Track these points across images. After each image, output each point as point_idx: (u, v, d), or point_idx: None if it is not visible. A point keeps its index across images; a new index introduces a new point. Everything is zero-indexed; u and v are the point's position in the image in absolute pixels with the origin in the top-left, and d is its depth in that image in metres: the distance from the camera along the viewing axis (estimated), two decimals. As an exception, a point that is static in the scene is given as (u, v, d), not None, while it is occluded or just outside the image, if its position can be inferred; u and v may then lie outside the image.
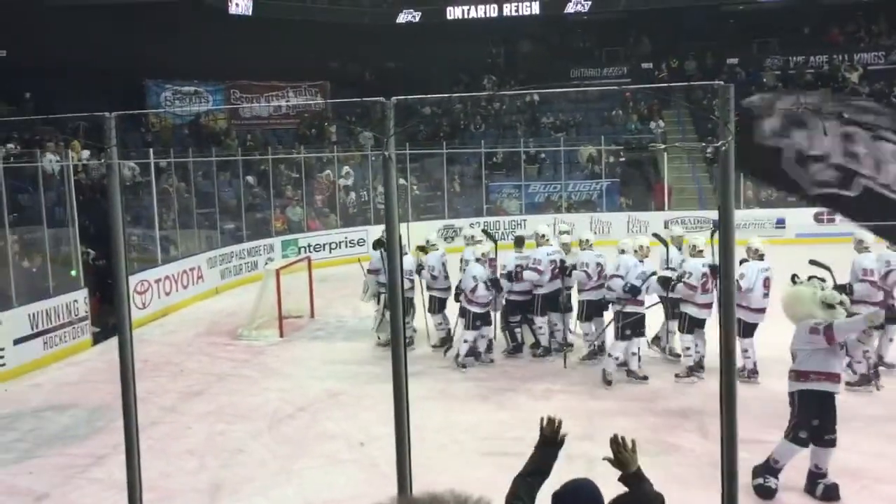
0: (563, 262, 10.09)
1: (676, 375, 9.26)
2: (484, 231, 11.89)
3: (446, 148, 21.44)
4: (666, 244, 9.91)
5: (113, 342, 12.17)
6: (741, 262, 8.73)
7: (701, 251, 9.28)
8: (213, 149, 19.05)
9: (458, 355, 9.97)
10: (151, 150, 15.35)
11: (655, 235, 10.33)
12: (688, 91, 23.38)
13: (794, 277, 6.77)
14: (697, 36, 26.13)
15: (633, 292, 8.96)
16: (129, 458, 3.71)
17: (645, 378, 9.22)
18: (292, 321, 12.57)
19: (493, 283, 9.89)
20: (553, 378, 9.47)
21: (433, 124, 22.88)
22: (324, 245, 18.80)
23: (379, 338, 11.10)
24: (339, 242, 19.08)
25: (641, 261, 9.14)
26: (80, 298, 11.73)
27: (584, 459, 7.01)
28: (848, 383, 8.25)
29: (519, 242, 10.62)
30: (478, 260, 10.04)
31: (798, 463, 6.30)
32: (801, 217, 18.47)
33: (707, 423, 7.70)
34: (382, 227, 18.98)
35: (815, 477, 6.23)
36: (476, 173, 22.03)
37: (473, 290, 9.75)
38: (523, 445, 7.44)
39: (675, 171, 22.14)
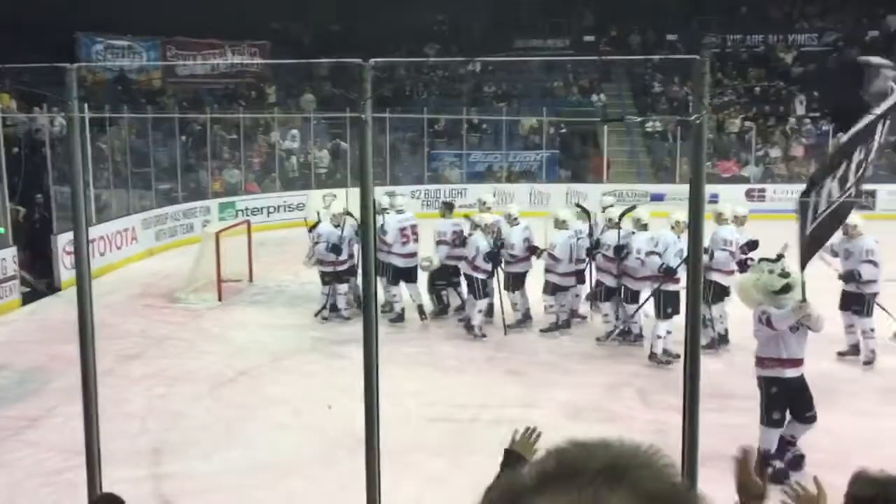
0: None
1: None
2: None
3: (389, 114, 21.24)
4: (589, 215, 9.95)
5: (43, 302, 11.88)
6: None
7: (618, 224, 9.44)
8: (147, 107, 18.48)
9: (471, 326, 9.80)
10: (87, 105, 14.78)
11: (578, 206, 10.41)
12: (630, 65, 23.63)
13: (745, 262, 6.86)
14: (640, 11, 26.34)
15: (668, 272, 8.67)
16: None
17: (677, 356, 8.53)
18: (231, 285, 12.37)
19: (492, 256, 9.69)
20: (497, 347, 9.56)
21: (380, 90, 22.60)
22: (262, 209, 18.49)
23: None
24: (279, 206, 18.79)
25: (679, 237, 8.79)
26: (8, 257, 11.31)
27: (528, 424, 7.17)
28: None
29: (448, 208, 10.73)
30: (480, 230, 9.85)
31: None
32: (733, 193, 18.91)
33: (646, 391, 7.91)
34: (323, 191, 18.84)
35: (785, 444, 6.30)
36: (418, 140, 21.92)
37: (475, 258, 9.67)
38: (469, 411, 7.60)
39: (614, 144, 22.42)
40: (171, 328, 10.53)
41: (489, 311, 10.14)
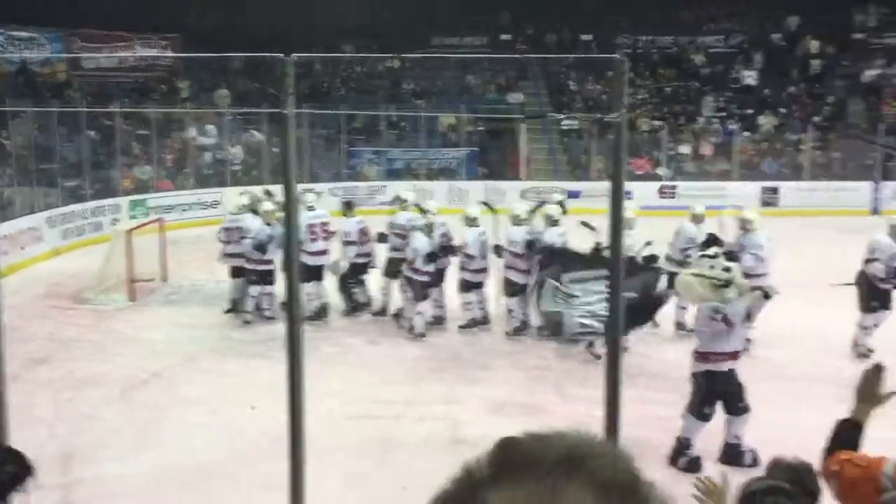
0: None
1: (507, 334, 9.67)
2: (484, 202, 10.79)
3: (307, 110, 20.96)
4: (494, 211, 9.96)
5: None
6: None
7: (524, 220, 9.59)
8: (52, 101, 17.75)
9: (412, 327, 9.64)
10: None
11: (484, 203, 10.47)
12: (545, 64, 23.97)
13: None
14: (555, 11, 26.75)
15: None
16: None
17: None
18: (143, 285, 11.99)
19: (431, 257, 9.53)
20: (418, 345, 9.54)
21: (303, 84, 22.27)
22: (176, 206, 18.01)
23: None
24: (193, 204, 18.34)
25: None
26: None
27: (451, 421, 7.22)
28: None
29: (349, 207, 10.67)
30: (422, 230, 9.64)
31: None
32: (646, 190, 19.43)
33: (563, 385, 8.04)
34: (238, 188, 18.48)
35: (734, 448, 6.39)
36: (336, 137, 21.73)
37: (415, 261, 9.45)
38: (392, 409, 7.59)
39: (532, 142, 22.73)
40: (80, 330, 10.16)
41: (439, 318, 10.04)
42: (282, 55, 2.80)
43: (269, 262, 10.07)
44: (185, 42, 23.21)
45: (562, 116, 21.88)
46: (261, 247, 9.96)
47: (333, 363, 8.83)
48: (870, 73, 24.32)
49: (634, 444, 6.52)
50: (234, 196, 18.23)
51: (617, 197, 2.86)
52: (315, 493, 5.58)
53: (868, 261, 8.75)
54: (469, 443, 6.49)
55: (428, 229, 9.58)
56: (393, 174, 21.56)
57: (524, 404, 7.71)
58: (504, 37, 26.36)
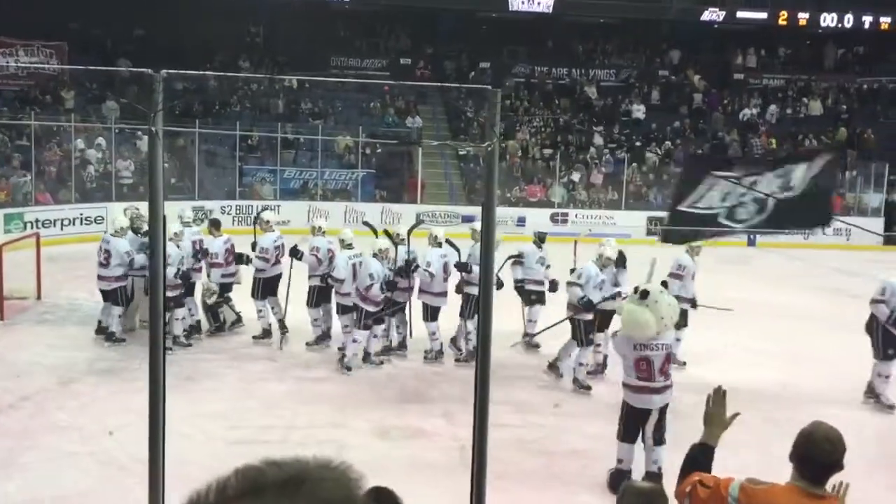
0: (283, 245, 10.27)
1: (425, 357, 9.61)
2: (366, 223, 10.61)
3: (199, 126, 20.51)
4: (376, 233, 9.82)
5: None
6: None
7: (440, 242, 9.68)
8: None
9: (343, 357, 9.29)
10: None
11: (366, 224, 10.42)
12: (443, 91, 24.27)
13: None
14: (454, 37, 27.19)
15: (587, 306, 8.67)
16: None
17: (588, 388, 8.82)
18: (15, 303, 11.38)
19: (389, 284, 9.28)
20: (306, 368, 9.40)
21: (188, 102, 21.77)
22: (55, 221, 17.23)
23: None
24: (74, 219, 17.60)
25: (601, 269, 8.86)
26: None
27: (335, 445, 7.12)
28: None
29: (215, 226, 10.66)
30: (375, 255, 9.29)
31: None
32: (539, 216, 19.87)
33: (452, 409, 8.07)
34: (124, 204, 17.85)
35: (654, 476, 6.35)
36: (230, 154, 21.32)
37: (369, 287, 9.09)
38: (274, 433, 7.43)
39: (428, 166, 22.92)
40: (-58, 350, 9.53)
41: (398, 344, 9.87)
42: (150, 70, 2.73)
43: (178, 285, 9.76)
44: (71, 50, 22.35)
45: (435, 143, 22.19)
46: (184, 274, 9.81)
47: (217, 386, 8.60)
48: (747, 112, 25.78)
49: (515, 469, 6.63)
50: (119, 212, 17.69)
51: (488, 221, 2.92)
52: (189, 522, 5.42)
53: (874, 301, 8.51)
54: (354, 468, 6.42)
55: (383, 255, 9.32)
56: (288, 194, 21.31)
57: (411, 428, 7.69)
58: (404, 60, 26.58)
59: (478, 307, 9.30)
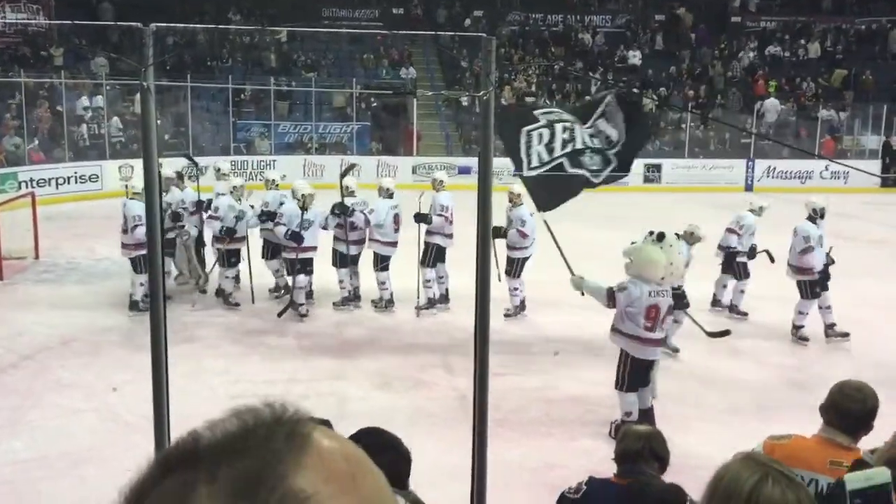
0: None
1: (417, 308, 9.64)
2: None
3: (191, 81, 20.27)
4: (343, 192, 9.70)
5: None
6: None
7: (391, 193, 9.73)
8: None
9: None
10: None
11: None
12: (437, 39, 23.94)
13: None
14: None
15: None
16: None
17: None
18: (13, 263, 11.39)
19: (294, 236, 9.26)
20: (307, 321, 9.44)
21: (179, 56, 21.48)
22: (50, 180, 17.13)
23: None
24: (69, 178, 17.50)
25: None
26: None
27: (337, 397, 7.20)
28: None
29: (180, 178, 10.43)
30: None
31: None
32: (535, 166, 19.79)
33: (451, 360, 8.14)
34: (119, 161, 17.76)
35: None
36: (223, 110, 21.11)
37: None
38: (276, 387, 7.50)
39: (424, 118, 22.72)
40: (-59, 311, 9.56)
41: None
42: (140, 24, 2.69)
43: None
44: (58, 6, 21.99)
45: (430, 93, 21.97)
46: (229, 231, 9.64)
47: (220, 342, 8.66)
48: (744, 56, 25.49)
49: (514, 416, 6.71)
50: (114, 170, 17.61)
51: (486, 172, 2.90)
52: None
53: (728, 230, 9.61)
54: (355, 418, 6.50)
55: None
56: (283, 148, 21.16)
57: (412, 379, 7.76)
58: (396, 11, 26.18)
59: (438, 256, 9.51)
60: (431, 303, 9.71)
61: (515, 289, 9.45)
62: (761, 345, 8.82)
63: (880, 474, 1.44)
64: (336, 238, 9.69)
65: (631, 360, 6.38)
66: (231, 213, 9.59)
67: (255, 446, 0.62)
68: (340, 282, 9.79)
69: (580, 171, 5.66)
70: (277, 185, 10.35)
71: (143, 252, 9.47)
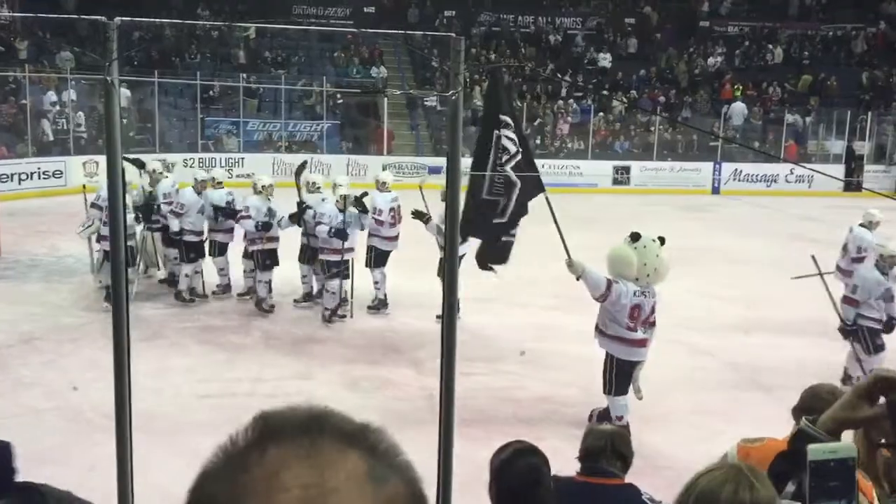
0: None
1: (369, 308, 9.62)
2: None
3: (158, 77, 20.03)
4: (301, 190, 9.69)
5: None
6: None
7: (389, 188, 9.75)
8: None
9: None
10: None
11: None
12: (408, 38, 23.91)
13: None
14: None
15: None
16: None
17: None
18: (-26, 260, 11.20)
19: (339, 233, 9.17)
20: (272, 320, 9.39)
21: (145, 51, 21.21)
22: (12, 175, 16.84)
23: (100, 281, 10.15)
24: (32, 173, 17.21)
25: None
26: None
27: (304, 396, 7.15)
28: None
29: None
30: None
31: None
32: (505, 167, 19.86)
33: (420, 359, 8.13)
34: (83, 158, 17.50)
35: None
36: (190, 106, 20.89)
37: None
38: (242, 386, 7.45)
39: (394, 117, 22.69)
40: None
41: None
42: (104, 18, 2.65)
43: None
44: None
45: (398, 92, 21.97)
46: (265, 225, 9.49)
47: (185, 341, 8.57)
48: (712, 60, 25.80)
49: (482, 416, 6.72)
50: (78, 166, 17.34)
51: (453, 172, 2.91)
52: (160, 472, 5.43)
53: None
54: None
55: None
56: (252, 146, 20.99)
57: (379, 378, 7.75)
58: (368, 9, 26.09)
59: (379, 259, 9.46)
60: (382, 304, 9.69)
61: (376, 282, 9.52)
62: (726, 343, 8.92)
63: (845, 448, 1.43)
64: (303, 234, 9.65)
65: (616, 363, 6.38)
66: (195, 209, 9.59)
67: None
68: (303, 277, 9.78)
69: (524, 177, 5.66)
70: (221, 183, 10.13)
71: (130, 244, 9.53)
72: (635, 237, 6.47)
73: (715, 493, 1.58)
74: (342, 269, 9.20)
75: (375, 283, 9.68)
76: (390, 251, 9.67)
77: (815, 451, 1.39)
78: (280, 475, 0.67)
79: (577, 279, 6.45)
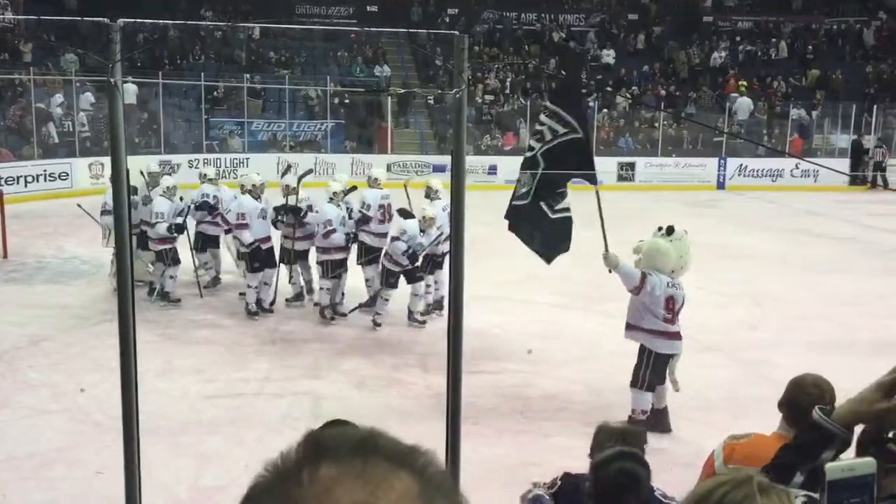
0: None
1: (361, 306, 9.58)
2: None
3: (163, 78, 20.06)
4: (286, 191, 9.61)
5: None
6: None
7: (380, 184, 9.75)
8: None
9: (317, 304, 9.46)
10: None
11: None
12: (411, 37, 23.90)
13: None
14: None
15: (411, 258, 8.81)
16: None
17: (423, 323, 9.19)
18: (-20, 262, 11.23)
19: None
20: (280, 320, 9.39)
21: (149, 53, 21.25)
22: (18, 178, 16.88)
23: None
24: (38, 176, 17.25)
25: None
26: None
27: (311, 396, 7.17)
28: None
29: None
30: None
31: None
32: (511, 164, 19.85)
33: (427, 358, 8.12)
34: (89, 159, 17.55)
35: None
36: (195, 107, 20.92)
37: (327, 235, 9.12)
38: (249, 386, 7.45)
39: (399, 116, 22.68)
40: None
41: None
42: (106, 20, 2.65)
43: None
44: (27, 2, 21.68)
45: (402, 91, 21.96)
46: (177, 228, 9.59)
47: (193, 341, 8.59)
48: (716, 55, 25.73)
49: (491, 413, 6.72)
50: (84, 167, 17.40)
51: (458, 170, 2.90)
52: (167, 472, 5.45)
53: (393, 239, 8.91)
54: (329, 417, 6.47)
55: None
56: (256, 146, 21.01)
57: (386, 378, 7.74)
58: (371, 8, 26.10)
59: (373, 257, 9.43)
60: (372, 301, 9.58)
61: (428, 286, 9.45)
62: (732, 338, 8.90)
63: (864, 465, 1.42)
64: (284, 236, 9.56)
65: (654, 357, 6.33)
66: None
67: None
68: (290, 277, 9.73)
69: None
70: (212, 180, 10.45)
71: (168, 245, 9.55)
72: (670, 230, 6.54)
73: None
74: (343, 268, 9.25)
75: (367, 280, 9.64)
76: (382, 248, 9.62)
77: (833, 469, 1.37)
78: (333, 492, 0.68)
79: (610, 272, 6.48)
